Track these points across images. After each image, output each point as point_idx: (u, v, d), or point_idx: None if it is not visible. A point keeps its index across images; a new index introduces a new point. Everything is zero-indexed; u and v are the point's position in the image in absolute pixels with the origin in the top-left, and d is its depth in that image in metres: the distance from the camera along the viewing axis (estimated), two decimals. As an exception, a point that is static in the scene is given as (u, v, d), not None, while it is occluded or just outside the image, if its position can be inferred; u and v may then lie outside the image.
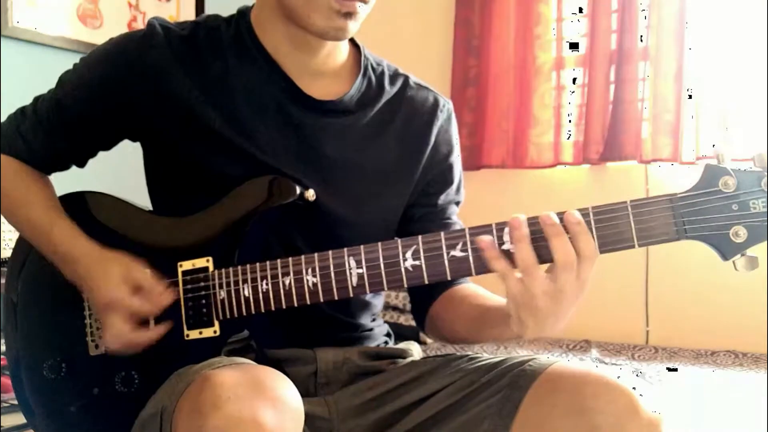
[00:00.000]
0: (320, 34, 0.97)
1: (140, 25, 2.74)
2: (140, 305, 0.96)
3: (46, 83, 1.09)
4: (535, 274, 0.80)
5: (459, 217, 1.15)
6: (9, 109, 1.11)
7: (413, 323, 2.70)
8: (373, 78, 1.09)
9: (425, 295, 1.09)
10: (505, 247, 0.83)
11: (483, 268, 0.85)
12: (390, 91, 1.09)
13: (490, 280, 0.89)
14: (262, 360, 0.90)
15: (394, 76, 1.11)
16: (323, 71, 1.04)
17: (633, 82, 2.65)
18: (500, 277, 0.82)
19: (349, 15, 0.94)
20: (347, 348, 1.06)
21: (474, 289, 1.06)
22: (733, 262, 0.79)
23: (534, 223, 0.81)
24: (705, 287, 2.55)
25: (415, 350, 1.15)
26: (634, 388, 0.85)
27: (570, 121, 2.84)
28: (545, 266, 0.82)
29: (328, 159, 1.03)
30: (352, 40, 1.09)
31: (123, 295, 0.95)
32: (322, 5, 0.93)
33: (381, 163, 1.06)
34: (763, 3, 2.37)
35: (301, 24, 0.97)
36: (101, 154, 1.12)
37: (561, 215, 0.81)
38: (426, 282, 0.87)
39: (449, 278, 0.86)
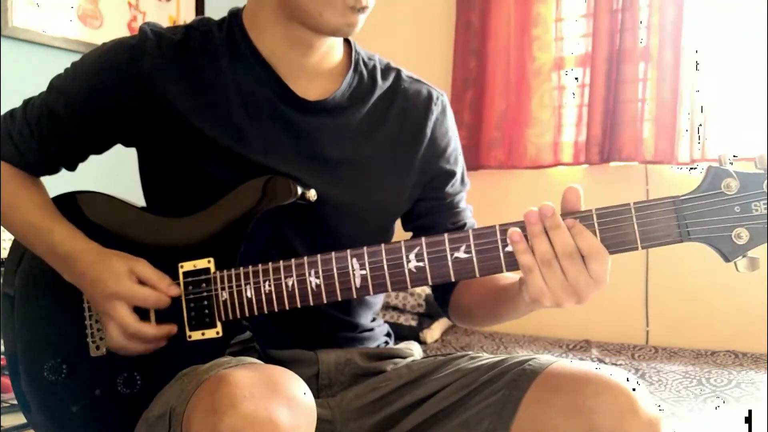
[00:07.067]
0: (331, 32, 0.97)
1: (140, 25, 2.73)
2: (148, 295, 0.96)
3: (46, 83, 1.08)
4: (555, 266, 0.81)
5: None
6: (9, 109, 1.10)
7: (413, 323, 2.73)
8: (365, 73, 1.08)
9: (444, 285, 1.09)
10: (508, 249, 0.83)
11: (487, 270, 0.85)
12: (383, 85, 1.09)
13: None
14: (266, 361, 0.90)
15: (387, 70, 1.11)
16: (318, 71, 1.04)
17: (633, 82, 2.65)
18: (524, 271, 0.82)
19: (362, 10, 0.94)
20: (348, 349, 1.06)
21: None
22: (735, 263, 0.79)
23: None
24: (705, 287, 2.55)
25: (415, 350, 1.15)
26: (634, 388, 0.84)
27: (570, 121, 2.85)
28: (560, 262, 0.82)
29: (325, 158, 1.02)
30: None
31: (130, 284, 0.95)
32: (337, 2, 0.93)
33: (377, 159, 1.06)
34: (763, 2, 2.36)
35: (308, 22, 0.96)
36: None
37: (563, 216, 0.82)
38: (430, 283, 0.87)
39: (453, 280, 0.86)
